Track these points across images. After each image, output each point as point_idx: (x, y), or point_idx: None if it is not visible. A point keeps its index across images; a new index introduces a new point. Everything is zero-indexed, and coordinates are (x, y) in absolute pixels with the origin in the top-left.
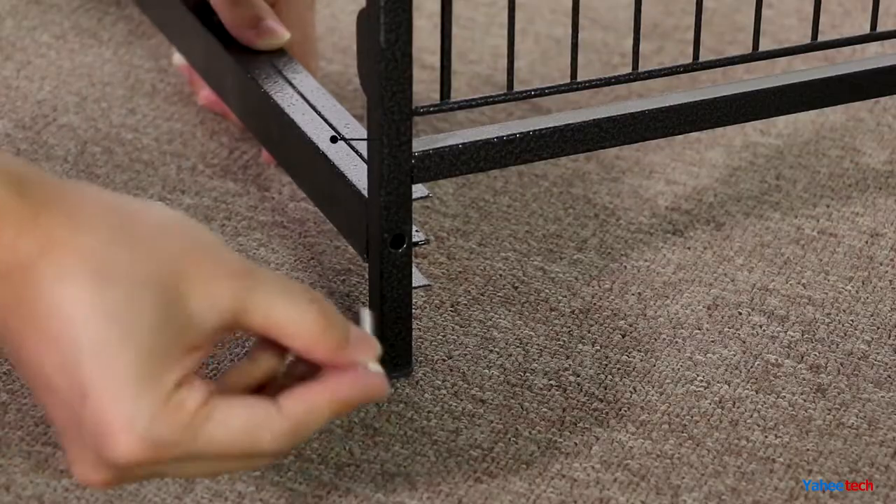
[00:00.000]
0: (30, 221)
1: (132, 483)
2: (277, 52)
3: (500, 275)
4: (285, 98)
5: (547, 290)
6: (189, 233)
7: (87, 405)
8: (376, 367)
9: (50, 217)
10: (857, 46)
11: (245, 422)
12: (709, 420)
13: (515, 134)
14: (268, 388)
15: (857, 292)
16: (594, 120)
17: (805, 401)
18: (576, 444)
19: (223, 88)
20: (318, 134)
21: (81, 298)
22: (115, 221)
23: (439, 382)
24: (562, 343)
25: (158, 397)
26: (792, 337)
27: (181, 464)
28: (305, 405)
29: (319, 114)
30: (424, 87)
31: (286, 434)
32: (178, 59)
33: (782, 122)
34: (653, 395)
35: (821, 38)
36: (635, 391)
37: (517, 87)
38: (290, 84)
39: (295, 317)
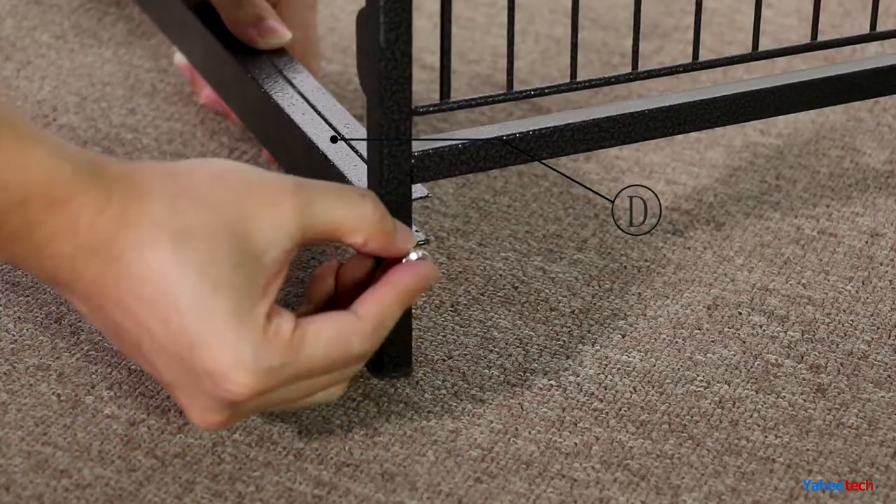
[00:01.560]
0: (105, 201)
1: (244, 418)
2: (278, 52)
3: (500, 275)
4: (285, 98)
5: (547, 290)
6: (240, 175)
7: (195, 354)
8: (419, 254)
9: (121, 195)
10: (857, 46)
11: (334, 332)
12: (709, 420)
13: (515, 134)
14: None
15: (857, 292)
16: (594, 120)
17: (805, 401)
18: (576, 444)
19: (224, 88)
20: (319, 134)
21: (167, 261)
22: (176, 187)
23: (439, 382)
24: (562, 343)
25: (257, 331)
26: (792, 337)
27: (286, 388)
28: (378, 305)
29: (320, 114)
30: (424, 87)
31: (369, 334)
32: (179, 58)
33: (782, 122)
34: (653, 395)
35: (821, 38)
36: (635, 391)
37: (517, 87)
38: (291, 84)
39: (353, 213)
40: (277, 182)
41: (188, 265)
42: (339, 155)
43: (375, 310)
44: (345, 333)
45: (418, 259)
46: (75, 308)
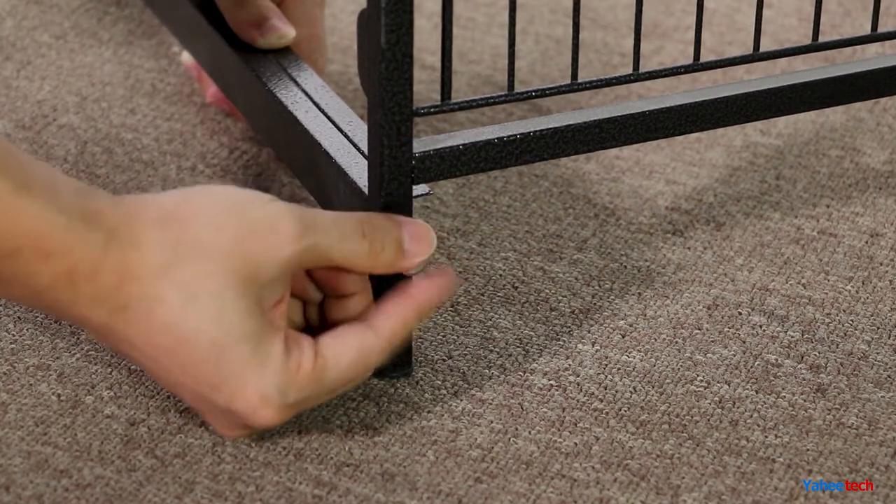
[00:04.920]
0: (102, 253)
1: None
2: (283, 51)
3: (500, 275)
4: (290, 96)
5: (547, 290)
6: (239, 216)
7: (220, 395)
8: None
9: (120, 246)
10: (858, 47)
11: (355, 354)
12: (709, 420)
13: (515, 134)
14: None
15: (857, 292)
16: (594, 120)
17: (805, 401)
18: (576, 444)
19: (229, 87)
20: (322, 132)
21: (179, 315)
22: (174, 234)
23: (439, 382)
24: (562, 343)
25: (278, 369)
26: (792, 337)
27: (313, 402)
28: (397, 320)
29: (323, 112)
30: (424, 87)
31: (386, 349)
32: (186, 57)
33: (782, 122)
34: (653, 395)
35: (821, 39)
36: (635, 391)
37: (517, 88)
38: (295, 82)
39: (350, 255)
40: (277, 220)
41: (201, 318)
42: (341, 153)
43: (394, 326)
44: (364, 352)
45: (438, 273)
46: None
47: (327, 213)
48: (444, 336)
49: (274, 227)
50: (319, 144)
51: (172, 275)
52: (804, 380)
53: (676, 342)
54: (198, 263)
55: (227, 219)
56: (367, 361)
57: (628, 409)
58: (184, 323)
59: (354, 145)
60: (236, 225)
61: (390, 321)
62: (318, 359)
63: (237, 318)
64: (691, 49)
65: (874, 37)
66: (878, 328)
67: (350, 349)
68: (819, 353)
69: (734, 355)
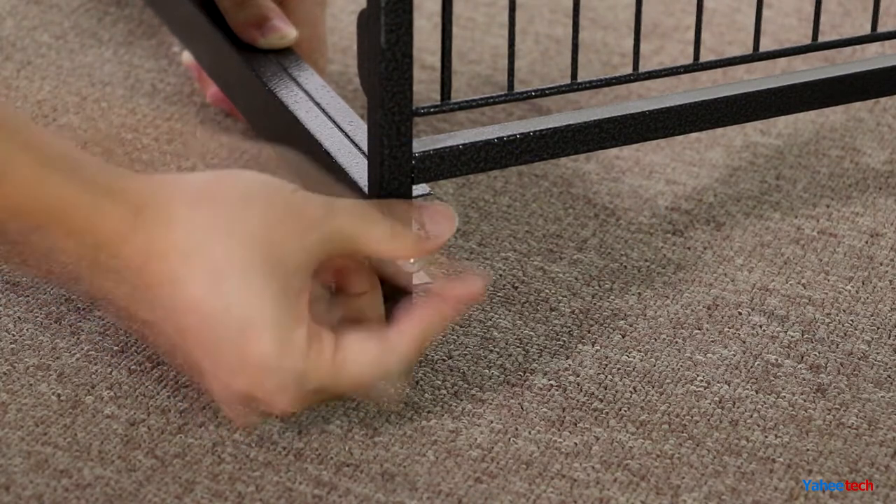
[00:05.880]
0: (128, 230)
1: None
2: (284, 51)
3: (500, 275)
4: (290, 96)
5: (547, 290)
6: (266, 198)
7: (239, 379)
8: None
9: (145, 223)
10: (858, 47)
11: (375, 356)
12: (709, 420)
13: (515, 134)
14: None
15: (857, 292)
16: (594, 120)
17: (805, 401)
18: (576, 444)
19: (230, 86)
20: (323, 132)
21: (206, 298)
22: (202, 215)
23: (439, 382)
24: (562, 343)
25: (298, 357)
26: (792, 337)
27: (327, 396)
28: (421, 329)
29: (324, 111)
30: (424, 87)
31: (407, 356)
32: (186, 57)
33: (782, 122)
34: (653, 395)
35: (821, 39)
36: (635, 391)
37: (517, 88)
38: (296, 82)
39: (373, 237)
40: (302, 206)
41: (228, 297)
42: (341, 152)
43: (417, 333)
44: (385, 355)
45: (468, 282)
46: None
47: (347, 199)
48: (444, 336)
49: (300, 213)
50: (320, 144)
51: (200, 254)
52: (804, 380)
53: (676, 342)
54: (227, 244)
55: (256, 203)
56: (386, 367)
57: (628, 409)
58: (210, 301)
59: (355, 145)
60: (265, 209)
61: (415, 330)
62: (338, 352)
63: (263, 300)
64: (691, 49)
65: (874, 37)
66: (878, 328)
67: (370, 350)
68: (819, 353)
69: (734, 355)
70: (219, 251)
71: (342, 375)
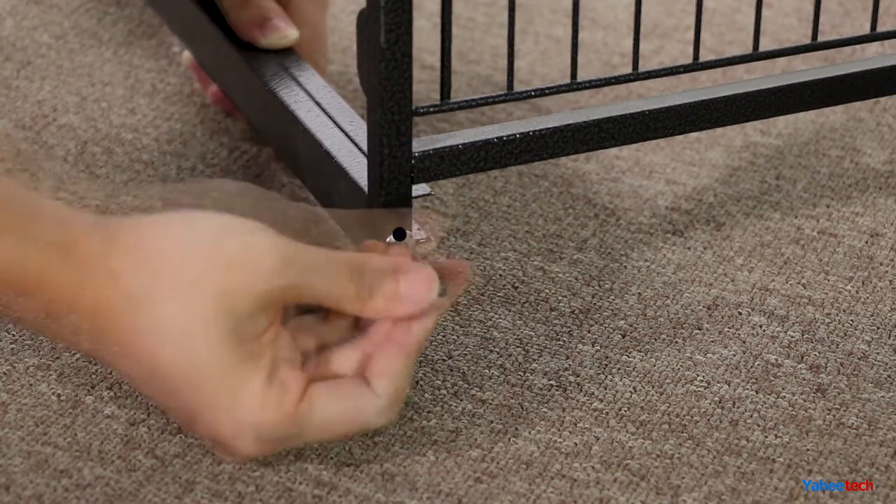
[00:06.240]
0: (78, 288)
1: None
2: (285, 51)
3: (500, 275)
4: (291, 96)
5: (547, 290)
6: (219, 246)
7: (198, 426)
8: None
9: (94, 280)
10: (857, 46)
11: (346, 408)
12: (709, 420)
13: (515, 134)
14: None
15: (857, 292)
16: (594, 120)
17: (805, 401)
18: (576, 444)
19: (230, 86)
20: (324, 131)
21: (152, 350)
22: (150, 265)
23: (439, 382)
24: (562, 343)
25: (252, 408)
26: (792, 337)
27: (296, 443)
28: (392, 377)
29: (325, 111)
30: (424, 87)
31: (387, 408)
32: (186, 56)
33: (782, 122)
34: (653, 395)
35: (821, 38)
36: (635, 391)
37: (517, 87)
38: (297, 82)
39: (336, 297)
40: (257, 254)
41: (172, 352)
42: (342, 152)
43: (390, 385)
44: (359, 409)
45: (426, 309)
46: None
47: (316, 249)
48: (444, 336)
49: (252, 262)
50: (321, 144)
51: (144, 309)
52: (804, 380)
53: (676, 342)
54: (169, 297)
55: (203, 251)
56: (363, 418)
57: (628, 409)
58: (157, 356)
59: (356, 145)
60: (212, 258)
61: (386, 381)
62: (303, 401)
63: (209, 352)
64: (691, 49)
65: (874, 36)
66: (878, 328)
67: (340, 404)
68: (819, 353)
69: (734, 355)
70: (160, 306)
71: (305, 424)
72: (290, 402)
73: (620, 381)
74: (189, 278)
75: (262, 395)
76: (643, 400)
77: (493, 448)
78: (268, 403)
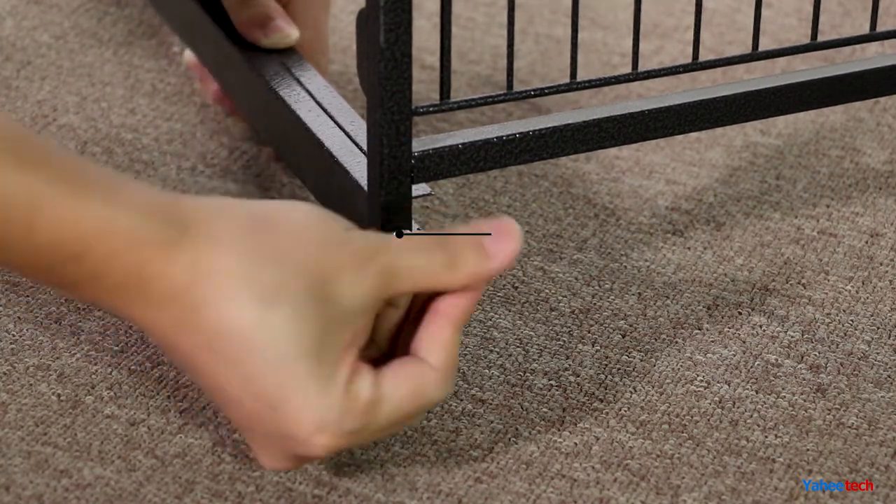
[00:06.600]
0: (172, 250)
1: (312, 462)
2: (287, 51)
3: (500, 275)
4: (292, 95)
5: (547, 290)
6: (320, 230)
7: (277, 416)
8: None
9: (192, 243)
10: (857, 46)
11: (411, 388)
12: (709, 420)
13: (515, 134)
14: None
15: (857, 292)
16: (594, 120)
17: (805, 401)
18: (576, 444)
19: (232, 86)
20: (325, 131)
21: (253, 321)
22: (254, 241)
23: None
24: (562, 343)
25: (339, 395)
26: (792, 337)
27: (366, 437)
28: (445, 348)
29: (326, 111)
30: (424, 87)
31: (444, 381)
32: (188, 56)
33: (782, 122)
34: (653, 395)
35: (821, 38)
36: (635, 391)
37: (517, 87)
38: (298, 81)
39: (428, 269)
40: (357, 242)
41: (274, 328)
42: (342, 151)
43: (445, 356)
44: (420, 387)
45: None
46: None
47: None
48: None
49: (354, 249)
50: (322, 143)
51: (250, 279)
52: (804, 380)
53: (676, 342)
54: (278, 272)
55: (310, 235)
56: (424, 395)
57: (628, 409)
58: (256, 330)
59: (357, 145)
60: (319, 242)
61: (441, 353)
62: (376, 390)
63: (309, 335)
64: (691, 49)
65: (873, 36)
66: (878, 328)
67: (406, 384)
68: (819, 353)
69: (734, 355)
70: (269, 278)
71: (378, 414)
72: (367, 393)
73: (620, 381)
74: (298, 258)
75: (349, 385)
76: (643, 400)
77: (493, 448)
78: (350, 393)
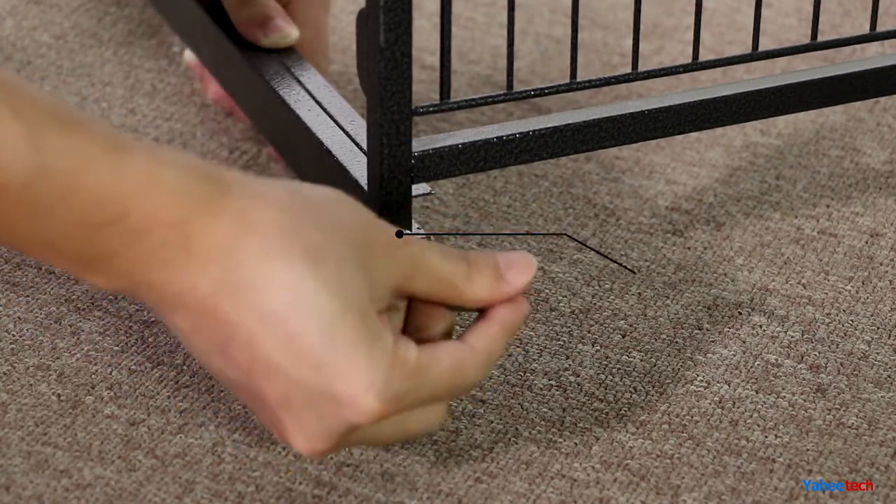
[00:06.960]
0: (219, 205)
1: (345, 448)
2: (287, 50)
3: None
4: (292, 95)
5: (547, 290)
6: (357, 209)
7: (322, 375)
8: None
9: (236, 199)
10: (857, 46)
11: (453, 361)
12: (709, 420)
13: (515, 134)
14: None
15: (857, 292)
16: (594, 120)
17: (805, 401)
18: (576, 444)
19: (232, 85)
20: (325, 131)
21: (300, 276)
22: (300, 204)
23: None
24: (562, 343)
25: (387, 355)
26: (792, 337)
27: (398, 419)
28: (489, 341)
29: (326, 111)
30: (424, 87)
31: (482, 365)
32: (188, 56)
33: (782, 122)
34: (653, 395)
35: (821, 38)
36: (635, 391)
37: (517, 87)
38: (298, 81)
39: (449, 275)
40: (392, 230)
41: (321, 283)
42: (342, 151)
43: (487, 345)
44: (461, 362)
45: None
46: (173, 328)
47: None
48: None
49: (385, 230)
50: (322, 143)
51: (297, 234)
52: (804, 380)
53: (676, 342)
54: (322, 234)
55: (349, 209)
56: (464, 373)
57: (628, 409)
58: (304, 286)
59: (357, 144)
60: (356, 215)
61: (484, 342)
62: (422, 356)
63: (355, 294)
64: (691, 49)
65: (873, 36)
66: (878, 328)
67: (449, 356)
68: (819, 353)
69: (734, 355)
70: (315, 236)
71: (426, 378)
72: (414, 355)
73: (620, 381)
74: (340, 222)
75: (395, 345)
76: (643, 400)
77: (493, 448)
78: (398, 353)
